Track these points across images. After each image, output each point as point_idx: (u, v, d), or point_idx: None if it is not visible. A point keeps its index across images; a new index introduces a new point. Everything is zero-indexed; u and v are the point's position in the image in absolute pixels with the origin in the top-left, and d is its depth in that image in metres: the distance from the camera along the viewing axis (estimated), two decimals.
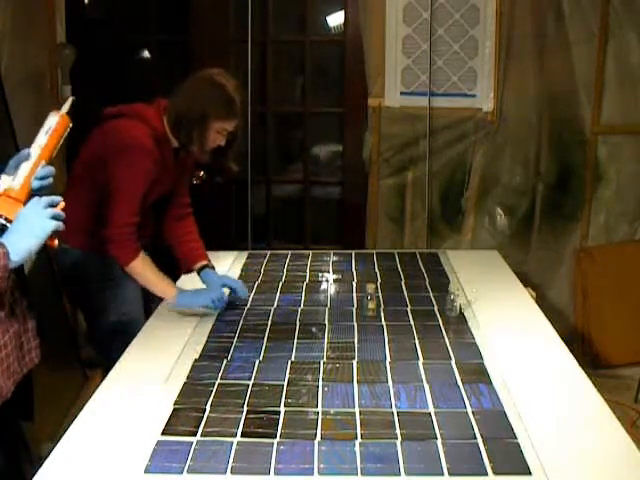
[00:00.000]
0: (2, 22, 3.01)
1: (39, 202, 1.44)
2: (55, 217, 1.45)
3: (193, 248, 2.43)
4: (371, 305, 2.19)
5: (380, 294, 2.37)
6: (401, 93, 3.52)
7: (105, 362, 2.38)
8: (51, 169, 1.52)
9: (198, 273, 2.38)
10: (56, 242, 1.48)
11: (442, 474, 1.38)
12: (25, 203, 1.46)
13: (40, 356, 1.73)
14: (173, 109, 2.21)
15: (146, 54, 3.83)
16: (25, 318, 1.67)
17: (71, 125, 1.56)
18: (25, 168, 1.48)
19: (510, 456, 1.43)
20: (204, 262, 2.39)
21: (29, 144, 1.52)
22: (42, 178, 1.50)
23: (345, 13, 3.61)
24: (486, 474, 1.38)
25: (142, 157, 2.15)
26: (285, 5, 3.72)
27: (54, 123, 1.53)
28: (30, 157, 1.49)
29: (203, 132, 2.19)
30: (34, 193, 1.49)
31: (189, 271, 2.42)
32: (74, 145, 3.40)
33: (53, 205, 1.46)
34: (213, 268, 2.40)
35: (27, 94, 3.21)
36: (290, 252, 2.90)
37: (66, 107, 1.57)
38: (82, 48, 3.52)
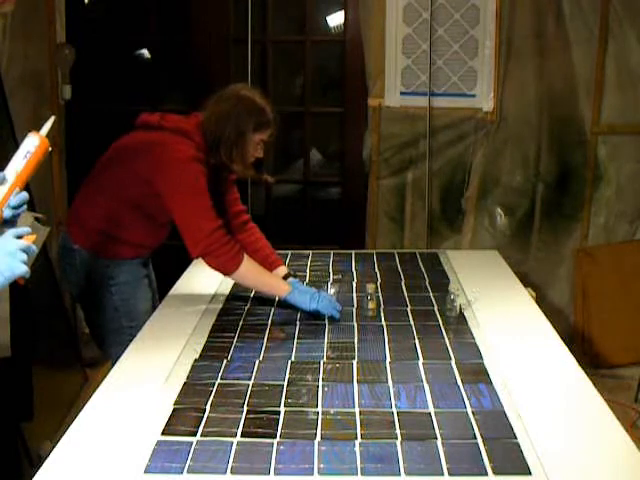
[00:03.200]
0: (2, 22, 3.02)
1: (15, 242, 1.35)
2: (26, 262, 1.35)
3: (266, 255, 2.39)
4: (371, 305, 2.19)
5: (380, 294, 2.37)
6: (401, 93, 3.52)
7: (111, 359, 2.36)
8: (25, 196, 1.40)
9: None
10: (23, 281, 1.38)
11: (442, 474, 1.38)
12: None
13: None
14: (209, 132, 2.18)
15: (146, 54, 3.83)
16: None
17: (50, 149, 1.45)
18: None
19: (510, 456, 1.43)
20: (284, 270, 2.37)
21: None
22: (16, 207, 1.39)
23: (345, 13, 3.61)
24: (486, 474, 1.37)
25: (195, 166, 2.12)
26: (285, 5, 3.73)
27: (33, 147, 1.41)
28: (4, 183, 1.38)
29: (243, 148, 2.18)
30: (6, 221, 1.39)
31: None
32: (78, 146, 3.39)
33: (27, 252, 1.36)
34: (295, 276, 2.37)
35: (27, 94, 3.21)
36: (290, 252, 2.90)
37: (46, 129, 1.45)
38: (82, 48, 3.52)
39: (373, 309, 2.19)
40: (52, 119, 1.48)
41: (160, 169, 2.12)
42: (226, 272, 2.15)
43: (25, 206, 1.42)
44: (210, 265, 2.14)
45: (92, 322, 2.48)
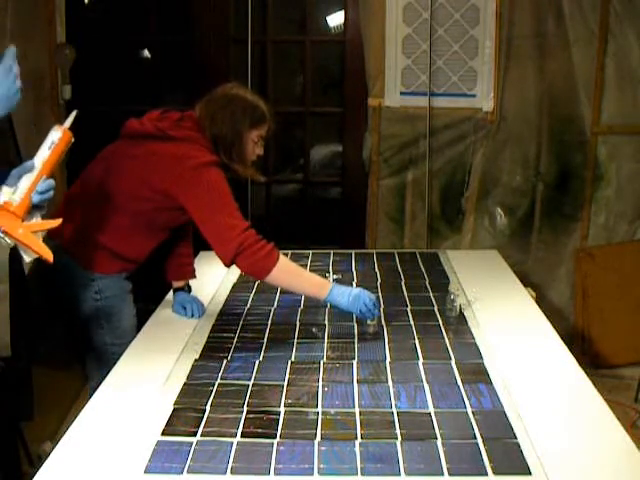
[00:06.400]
0: (2, 22, 3.01)
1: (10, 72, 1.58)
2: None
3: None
4: (370, 322, 2.07)
5: (380, 294, 2.37)
6: (401, 93, 3.52)
7: (90, 378, 2.26)
8: (51, 182, 1.56)
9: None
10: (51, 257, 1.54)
11: (442, 474, 1.38)
12: (24, 217, 1.51)
13: None
14: (206, 134, 2.12)
15: (146, 54, 3.84)
16: None
17: (73, 140, 1.58)
18: (26, 182, 1.52)
19: (510, 456, 1.43)
20: (180, 284, 2.38)
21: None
22: (43, 192, 1.55)
23: (345, 13, 3.61)
24: (486, 474, 1.37)
25: (216, 170, 2.05)
26: (285, 5, 3.72)
27: (57, 138, 1.55)
28: (33, 171, 1.52)
29: (242, 147, 2.14)
30: (34, 206, 1.54)
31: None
32: (78, 146, 3.37)
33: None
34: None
35: (27, 94, 3.20)
36: (290, 252, 2.89)
37: (69, 122, 1.59)
38: (82, 48, 3.52)
39: (374, 325, 2.09)
40: (74, 113, 1.62)
41: (181, 180, 2.02)
42: (261, 272, 2.00)
43: (52, 192, 1.57)
44: (244, 266, 2.00)
45: (72, 338, 2.35)
